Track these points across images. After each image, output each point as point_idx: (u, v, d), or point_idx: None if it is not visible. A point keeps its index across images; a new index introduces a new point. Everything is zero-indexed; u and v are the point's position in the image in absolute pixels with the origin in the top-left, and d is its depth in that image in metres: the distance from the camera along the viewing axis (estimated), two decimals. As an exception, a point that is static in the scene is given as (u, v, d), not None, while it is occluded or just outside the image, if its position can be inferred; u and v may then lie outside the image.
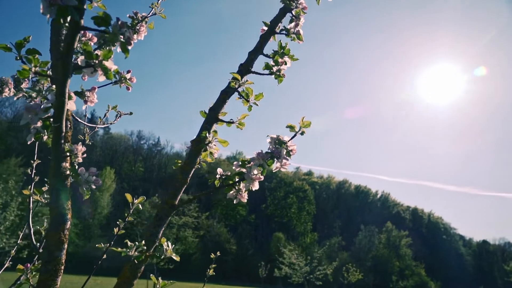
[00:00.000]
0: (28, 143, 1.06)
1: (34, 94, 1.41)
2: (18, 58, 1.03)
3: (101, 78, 0.89)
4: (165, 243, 0.90)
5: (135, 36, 1.27)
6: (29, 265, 0.95)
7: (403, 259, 43.91)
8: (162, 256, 0.88)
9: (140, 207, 1.26)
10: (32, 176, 1.17)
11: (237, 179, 1.11)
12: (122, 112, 1.34)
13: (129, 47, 0.82)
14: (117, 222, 1.21)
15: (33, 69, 0.84)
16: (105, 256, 1.14)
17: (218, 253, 1.92)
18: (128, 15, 1.46)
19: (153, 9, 1.56)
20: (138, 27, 1.37)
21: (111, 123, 1.26)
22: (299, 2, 1.46)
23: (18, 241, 1.25)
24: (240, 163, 1.13)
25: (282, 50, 1.43)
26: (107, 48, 0.85)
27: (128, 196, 1.22)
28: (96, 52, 0.86)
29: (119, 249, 0.83)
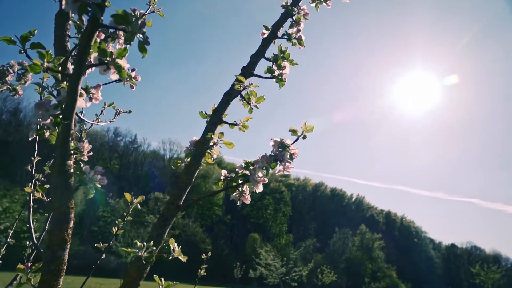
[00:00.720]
0: (30, 139, 1.04)
1: (19, 87, 1.37)
2: (22, 51, 1.01)
3: (114, 76, 0.88)
4: (173, 244, 0.90)
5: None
6: (29, 264, 0.93)
7: (376, 261, 44.81)
8: (170, 257, 0.88)
9: (139, 206, 1.25)
10: (33, 173, 1.13)
11: (241, 181, 1.12)
12: (121, 110, 1.32)
13: (147, 47, 0.81)
14: (116, 222, 1.20)
15: (45, 64, 0.82)
16: (103, 256, 1.12)
17: (210, 254, 1.91)
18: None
19: (151, 6, 1.55)
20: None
21: (110, 121, 1.24)
22: (301, 8, 1.48)
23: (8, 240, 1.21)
24: (244, 165, 1.14)
25: (282, 55, 1.45)
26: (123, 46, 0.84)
27: (128, 196, 1.20)
28: (110, 49, 0.86)
29: (129, 249, 0.82)
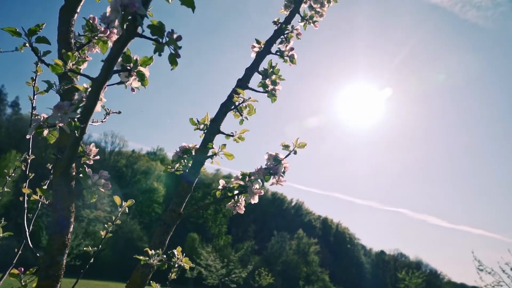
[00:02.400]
0: (28, 137, 1.00)
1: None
2: (28, 45, 0.97)
3: (135, 84, 0.88)
4: (179, 252, 0.91)
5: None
6: (22, 269, 0.89)
7: (311, 265, 46.32)
8: (176, 265, 0.90)
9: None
10: (27, 172, 1.07)
11: (236, 192, 1.16)
12: (111, 110, 1.29)
13: (178, 59, 0.83)
14: (105, 226, 1.17)
15: (69, 66, 0.81)
16: (92, 260, 1.09)
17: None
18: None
19: None
20: None
21: (102, 121, 1.22)
22: (295, 28, 1.55)
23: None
24: (240, 176, 1.18)
25: (271, 70, 1.50)
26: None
27: (117, 199, 1.19)
28: (134, 57, 0.86)
29: (141, 257, 0.82)
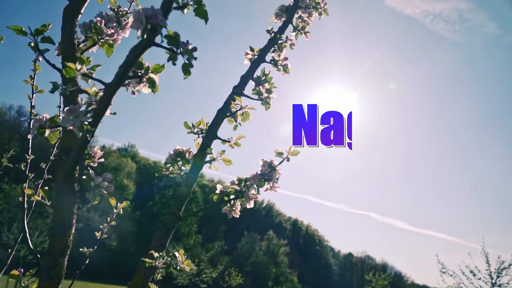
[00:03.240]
0: (29, 137, 0.99)
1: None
2: (33, 44, 0.97)
3: (145, 90, 0.90)
4: (181, 255, 0.94)
5: (120, 31, 1.26)
6: (22, 270, 0.89)
7: (280, 266, 46.71)
8: (179, 267, 0.92)
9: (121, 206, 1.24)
10: (27, 172, 1.05)
11: (232, 196, 1.19)
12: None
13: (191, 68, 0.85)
14: (101, 227, 1.17)
15: (83, 70, 0.82)
16: (87, 261, 1.09)
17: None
18: (109, 6, 1.41)
19: (134, 2, 1.53)
20: (124, 23, 1.36)
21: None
22: (289, 38, 1.60)
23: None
24: (237, 181, 1.21)
25: (264, 77, 1.55)
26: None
27: (112, 201, 1.20)
28: (146, 64, 0.88)
29: (147, 260, 0.84)
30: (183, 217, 1.05)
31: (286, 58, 1.56)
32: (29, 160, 1.10)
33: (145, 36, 0.74)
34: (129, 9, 1.50)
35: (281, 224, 59.79)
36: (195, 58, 0.82)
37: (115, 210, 1.18)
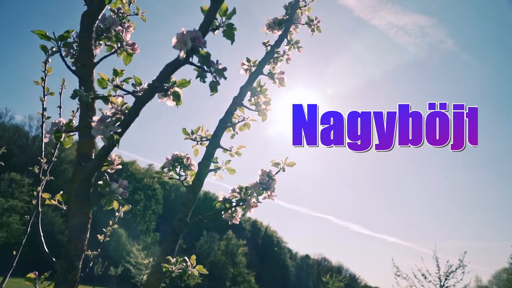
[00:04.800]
0: (45, 140, 1.00)
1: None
2: (55, 49, 0.98)
3: (170, 103, 0.94)
4: (193, 260, 0.99)
5: (123, 34, 1.29)
6: (37, 273, 0.91)
7: (238, 266, 46.85)
8: (189, 272, 0.97)
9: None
10: (40, 175, 1.05)
11: (234, 204, 1.26)
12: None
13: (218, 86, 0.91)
14: (104, 230, 1.18)
15: (116, 82, 0.85)
16: (91, 263, 1.10)
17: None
18: (109, 8, 1.43)
19: (133, 3, 1.55)
20: (126, 25, 1.38)
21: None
22: (286, 53, 1.68)
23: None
24: (238, 189, 1.27)
25: (259, 89, 1.62)
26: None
27: (115, 204, 1.22)
28: (173, 78, 0.92)
29: (165, 265, 0.88)
30: (190, 223, 1.10)
31: (282, 72, 1.64)
32: (42, 164, 1.09)
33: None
34: (129, 8, 1.52)
35: (241, 224, 59.98)
36: (226, 78, 0.87)
37: (117, 214, 1.21)
